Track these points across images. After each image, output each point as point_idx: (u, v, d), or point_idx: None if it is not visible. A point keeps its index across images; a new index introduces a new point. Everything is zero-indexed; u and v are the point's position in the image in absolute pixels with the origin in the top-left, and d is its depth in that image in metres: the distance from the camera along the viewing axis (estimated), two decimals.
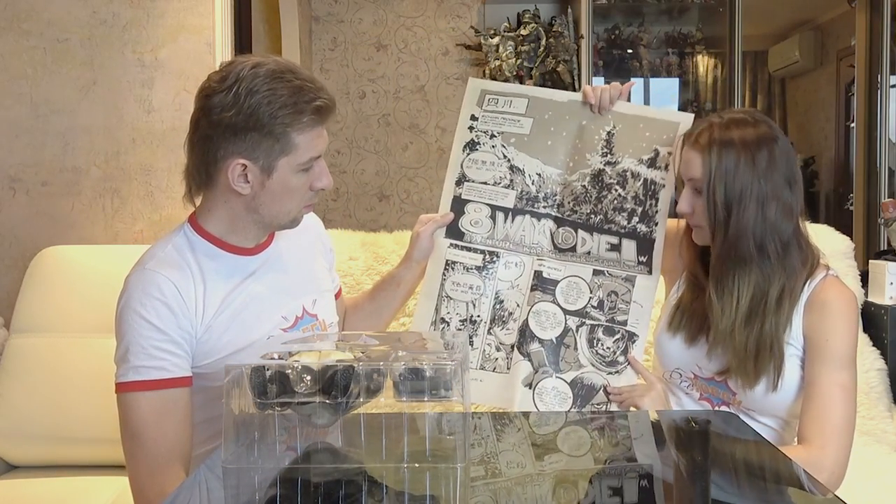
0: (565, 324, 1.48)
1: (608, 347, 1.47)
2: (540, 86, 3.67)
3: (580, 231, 1.51)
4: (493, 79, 3.76)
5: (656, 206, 1.49)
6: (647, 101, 4.30)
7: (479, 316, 1.51)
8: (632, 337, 1.47)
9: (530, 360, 1.46)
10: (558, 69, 3.64)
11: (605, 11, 4.11)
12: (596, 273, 1.49)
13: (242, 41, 2.46)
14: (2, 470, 1.98)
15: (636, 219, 1.50)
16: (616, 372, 1.46)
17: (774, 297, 1.35)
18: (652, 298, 1.49)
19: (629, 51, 4.18)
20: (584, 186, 1.52)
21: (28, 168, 2.28)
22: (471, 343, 1.50)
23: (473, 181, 1.54)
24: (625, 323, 1.48)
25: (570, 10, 3.72)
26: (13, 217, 2.29)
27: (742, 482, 1.05)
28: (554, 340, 1.47)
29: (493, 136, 1.55)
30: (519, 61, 3.72)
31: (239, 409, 0.98)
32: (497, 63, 3.74)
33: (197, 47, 2.28)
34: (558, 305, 1.48)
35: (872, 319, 2.10)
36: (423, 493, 0.93)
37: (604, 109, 1.52)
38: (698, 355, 1.44)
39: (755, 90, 4.54)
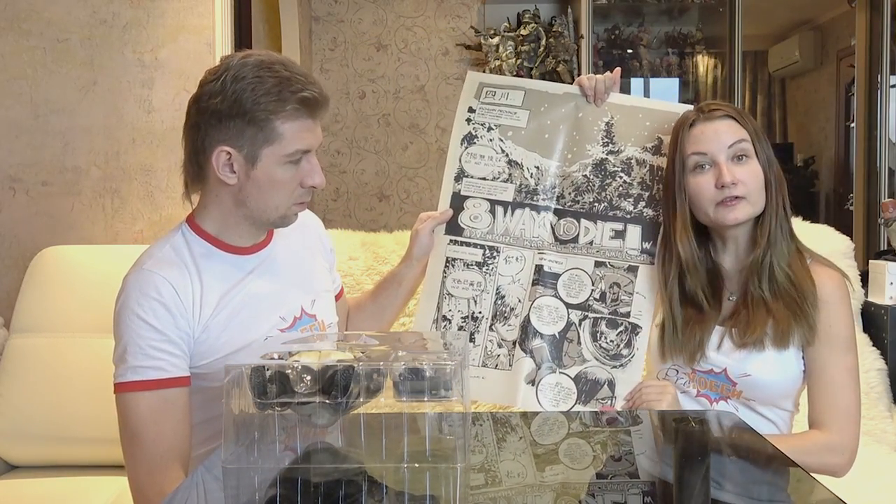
0: (568, 318, 1.47)
1: (611, 340, 1.46)
2: None
3: (583, 220, 1.51)
4: None
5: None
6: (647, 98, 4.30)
7: (480, 312, 1.50)
8: (635, 329, 1.47)
9: (532, 357, 1.46)
10: (558, 69, 3.64)
11: (605, 11, 4.11)
12: (598, 265, 1.49)
13: (242, 41, 2.46)
14: (2, 470, 1.98)
15: (643, 203, 1.50)
16: (620, 365, 1.45)
17: (794, 252, 1.40)
18: (655, 288, 1.48)
19: (629, 51, 4.19)
20: (585, 176, 1.51)
21: (28, 168, 2.28)
22: (472, 340, 1.49)
23: (472, 177, 1.54)
24: (627, 315, 1.47)
25: (570, 10, 3.72)
26: (13, 217, 2.29)
27: (743, 482, 1.05)
28: (556, 335, 1.47)
29: (490, 128, 1.54)
30: (519, 61, 3.72)
31: (239, 409, 0.98)
32: (497, 63, 3.74)
33: (197, 47, 2.28)
34: (560, 299, 1.48)
35: (872, 319, 2.10)
36: (423, 493, 0.93)
37: (599, 99, 1.52)
38: (698, 356, 1.43)
39: (755, 90, 4.55)
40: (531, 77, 3.68)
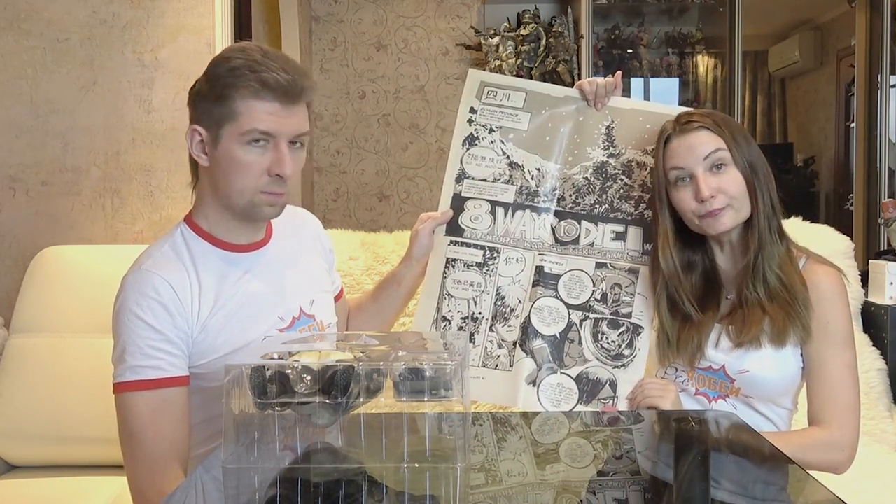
0: (568, 318, 1.47)
1: (613, 341, 1.46)
2: None
3: (583, 222, 1.51)
4: None
5: None
6: (647, 101, 4.30)
7: (480, 313, 1.50)
8: (637, 329, 1.46)
9: (533, 358, 1.46)
10: (558, 69, 3.64)
11: (605, 11, 4.11)
12: (599, 266, 1.49)
13: (242, 41, 2.46)
14: (2, 470, 1.98)
15: (644, 205, 1.50)
16: (622, 365, 1.45)
17: (783, 254, 1.40)
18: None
19: (629, 51, 4.19)
20: (586, 178, 1.52)
21: (28, 168, 2.28)
22: (472, 341, 1.49)
23: (473, 178, 1.55)
24: (629, 315, 1.47)
25: (570, 10, 3.72)
26: (13, 217, 2.29)
27: (743, 481, 1.05)
28: (557, 336, 1.47)
29: (491, 130, 1.55)
30: (519, 61, 3.72)
31: (239, 409, 0.98)
32: (497, 63, 3.74)
33: (197, 47, 2.28)
34: (561, 300, 1.48)
35: (872, 319, 2.10)
36: (423, 493, 0.93)
37: (600, 103, 1.52)
38: (697, 355, 1.43)
39: (755, 90, 4.55)
40: (531, 77, 3.68)
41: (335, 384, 0.95)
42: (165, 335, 1.22)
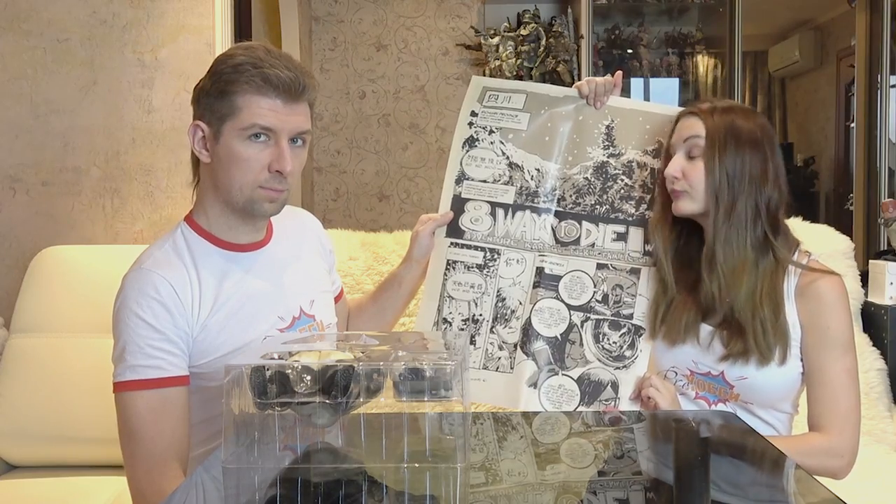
0: (570, 319, 1.47)
1: (614, 342, 1.45)
2: None
3: (584, 222, 1.51)
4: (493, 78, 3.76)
5: None
6: (647, 101, 4.30)
7: (481, 315, 1.50)
8: (638, 330, 1.46)
9: (535, 360, 1.45)
10: (558, 69, 3.64)
11: (605, 11, 4.11)
12: (599, 267, 1.49)
13: (242, 41, 2.46)
14: (2, 470, 1.98)
15: (644, 206, 1.49)
16: (623, 367, 1.44)
17: (769, 272, 1.37)
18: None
19: (629, 51, 4.18)
20: (586, 178, 1.51)
21: (28, 168, 2.28)
22: (473, 343, 1.49)
23: (473, 179, 1.54)
24: (630, 316, 1.46)
25: (570, 10, 3.72)
26: (13, 217, 2.29)
27: (743, 482, 1.05)
28: (559, 337, 1.46)
29: (491, 132, 1.55)
30: (519, 61, 3.72)
31: (239, 409, 0.98)
32: (497, 63, 3.74)
33: (197, 47, 2.28)
34: (562, 301, 1.48)
35: (872, 319, 2.10)
36: (423, 493, 0.93)
37: (599, 101, 1.52)
38: (691, 352, 1.43)
39: (755, 90, 4.54)
40: (531, 77, 3.68)
41: (335, 384, 0.95)
42: (165, 335, 1.22)
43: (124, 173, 2.29)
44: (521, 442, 1.23)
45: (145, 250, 1.31)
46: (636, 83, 4.26)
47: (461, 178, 1.55)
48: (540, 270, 1.49)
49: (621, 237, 1.49)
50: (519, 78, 3.71)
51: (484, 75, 3.81)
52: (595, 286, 1.48)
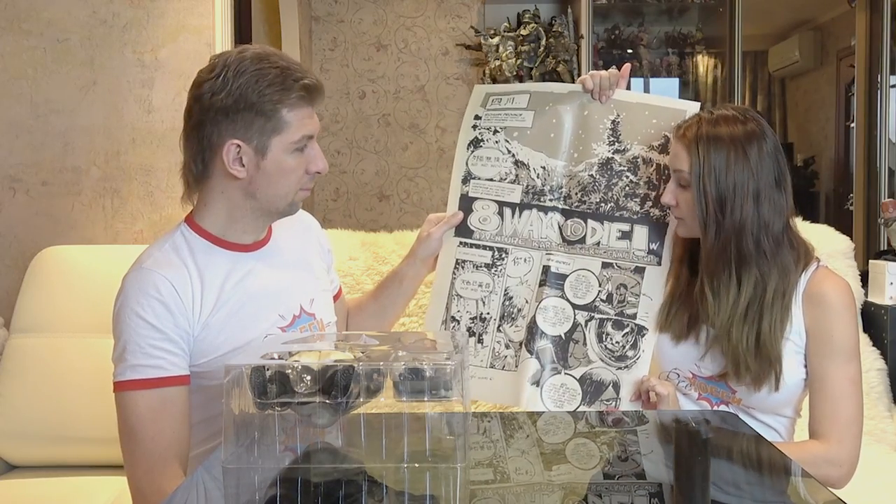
0: (574, 319, 1.47)
1: (617, 342, 1.45)
2: None
3: (590, 221, 1.50)
4: (494, 79, 3.76)
5: None
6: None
7: (488, 313, 1.50)
8: (641, 330, 1.45)
9: (538, 359, 1.45)
10: (558, 69, 3.64)
11: (605, 11, 4.11)
12: (605, 266, 1.48)
13: (242, 41, 2.46)
14: (2, 470, 1.98)
15: (649, 203, 1.48)
16: (625, 367, 1.44)
17: (770, 295, 1.35)
18: (661, 290, 1.47)
19: (629, 51, 4.18)
20: (591, 176, 1.50)
21: (28, 168, 2.28)
22: (480, 341, 1.49)
23: (479, 178, 1.54)
24: (634, 316, 1.46)
25: (570, 10, 3.72)
26: (13, 217, 2.28)
27: (744, 482, 1.05)
28: (562, 336, 1.46)
29: (495, 131, 1.54)
30: (519, 61, 3.72)
31: (239, 409, 0.98)
32: (497, 63, 3.74)
33: (197, 47, 2.28)
34: (566, 300, 1.47)
35: (872, 319, 2.10)
36: (423, 493, 0.93)
37: (604, 96, 1.50)
38: (694, 354, 1.43)
39: (755, 90, 4.54)
40: (531, 78, 3.68)
41: (335, 384, 0.95)
42: (166, 334, 1.22)
43: (124, 173, 2.29)
44: (525, 442, 1.23)
45: (145, 250, 1.31)
46: (636, 83, 4.26)
47: (468, 178, 1.55)
48: (546, 269, 1.49)
49: (626, 235, 1.49)
50: (519, 78, 3.71)
51: (484, 75, 3.82)
52: (600, 285, 1.48)
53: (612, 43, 4.18)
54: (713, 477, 1.06)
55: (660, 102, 1.51)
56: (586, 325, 1.46)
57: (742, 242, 1.33)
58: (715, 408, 1.44)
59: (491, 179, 1.54)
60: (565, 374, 1.44)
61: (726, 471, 1.09)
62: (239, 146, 1.25)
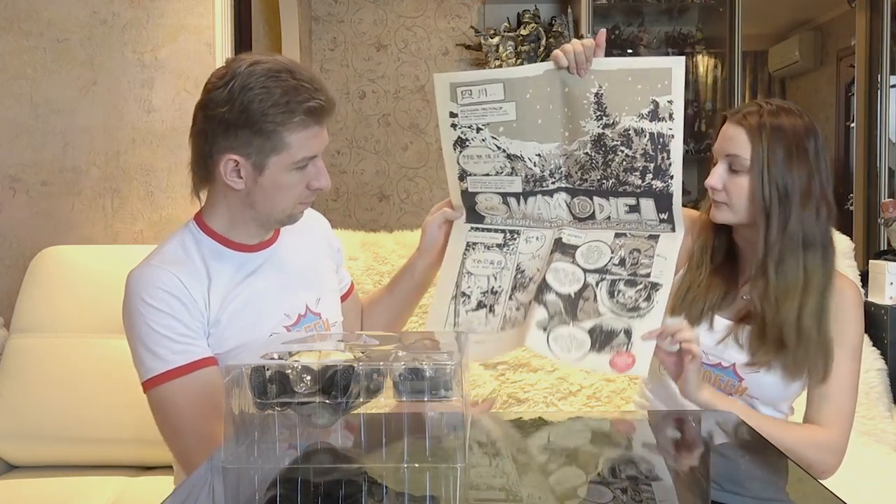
0: (584, 280, 1.42)
1: (630, 296, 1.39)
2: None
3: (595, 198, 1.46)
4: None
5: (668, 157, 1.40)
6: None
7: (500, 287, 1.47)
8: (655, 286, 1.38)
9: (546, 307, 1.39)
10: None
11: (605, 11, 4.10)
12: (618, 235, 1.45)
13: (242, 41, 2.46)
14: (2, 470, 1.98)
15: (650, 175, 1.42)
16: (638, 316, 1.36)
17: (827, 282, 1.38)
18: (676, 251, 1.41)
19: (629, 51, 4.18)
20: (587, 154, 1.44)
21: (28, 168, 2.28)
22: (492, 311, 1.46)
23: (475, 174, 1.51)
24: (648, 275, 1.40)
25: (570, 10, 3.72)
26: (13, 217, 2.29)
27: (744, 482, 1.05)
28: (572, 295, 1.40)
29: (478, 129, 1.48)
30: (519, 61, 3.72)
31: (239, 409, 0.98)
32: (497, 63, 3.74)
33: (197, 47, 2.28)
34: (578, 265, 1.43)
35: (872, 319, 2.10)
36: (423, 493, 0.93)
37: (582, 69, 1.40)
38: (705, 342, 1.42)
39: (755, 90, 4.54)
40: None
41: (335, 384, 0.95)
42: (183, 322, 1.23)
43: (124, 173, 2.29)
44: (525, 442, 1.23)
45: (154, 249, 1.32)
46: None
47: (464, 175, 1.51)
48: (558, 241, 1.46)
49: (633, 209, 1.44)
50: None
51: None
52: (612, 252, 1.44)
53: (612, 43, 4.18)
54: (713, 476, 1.07)
55: (641, 65, 1.40)
56: (597, 286, 1.41)
57: (808, 230, 1.37)
58: None
59: (487, 174, 1.50)
60: (574, 325, 1.37)
61: (726, 469, 1.09)
62: (236, 161, 1.24)
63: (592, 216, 1.46)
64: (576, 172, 1.46)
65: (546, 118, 1.45)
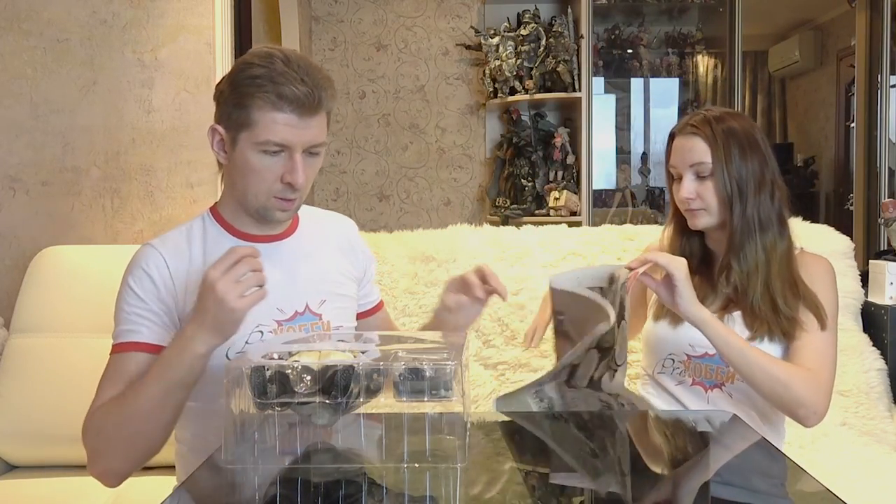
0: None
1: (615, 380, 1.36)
2: (540, 86, 3.68)
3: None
4: (493, 79, 3.76)
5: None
6: (647, 101, 4.30)
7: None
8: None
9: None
10: (558, 69, 3.64)
11: (605, 11, 4.11)
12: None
13: (242, 41, 2.46)
14: (2, 470, 1.98)
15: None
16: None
17: (783, 261, 1.48)
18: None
19: (629, 51, 4.19)
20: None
21: (28, 168, 2.28)
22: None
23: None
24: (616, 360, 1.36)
25: (570, 10, 3.72)
26: (13, 217, 2.28)
27: (743, 481, 1.05)
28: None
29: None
30: (519, 61, 3.72)
31: (239, 409, 0.98)
32: (497, 63, 3.74)
33: (197, 47, 2.28)
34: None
35: (872, 319, 2.10)
36: (423, 493, 0.93)
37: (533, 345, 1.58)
38: (689, 334, 1.48)
39: (755, 90, 4.55)
40: (531, 77, 3.68)
41: (335, 384, 0.95)
42: (148, 305, 1.28)
43: (124, 173, 2.29)
44: (523, 441, 1.23)
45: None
46: (636, 83, 4.26)
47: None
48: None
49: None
50: (519, 78, 3.71)
51: (484, 75, 3.82)
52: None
53: (612, 43, 4.18)
54: (712, 476, 1.07)
55: (588, 297, 1.33)
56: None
57: (763, 214, 1.47)
58: (709, 391, 1.50)
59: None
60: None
61: (725, 470, 1.09)
62: (216, 130, 1.29)
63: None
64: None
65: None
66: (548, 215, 3.66)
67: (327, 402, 0.95)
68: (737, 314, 1.49)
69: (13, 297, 2.07)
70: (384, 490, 0.95)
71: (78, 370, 1.92)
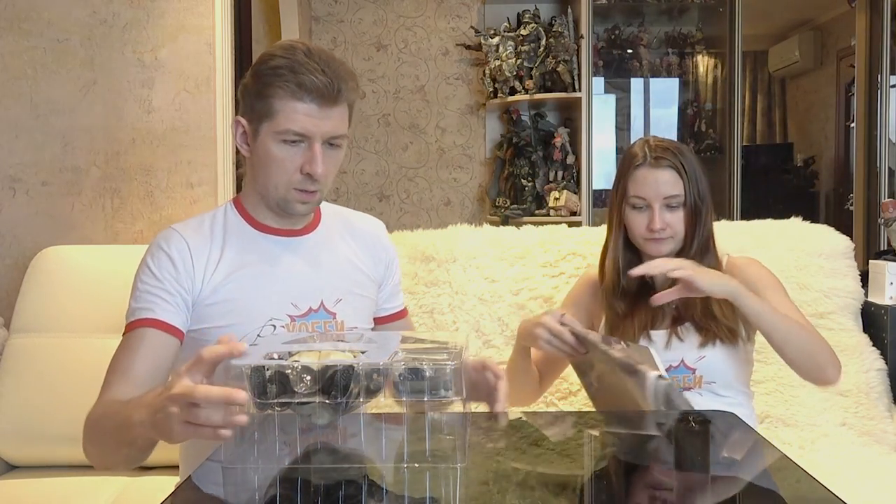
0: None
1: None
2: (540, 86, 3.68)
3: None
4: (493, 79, 3.77)
5: None
6: (647, 102, 4.30)
7: None
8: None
9: None
10: (558, 69, 3.64)
11: (605, 11, 4.11)
12: None
13: (242, 41, 2.46)
14: (2, 470, 1.98)
15: None
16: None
17: (715, 269, 1.53)
18: None
19: (629, 51, 4.19)
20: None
21: (28, 168, 2.28)
22: None
23: None
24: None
25: (570, 10, 3.72)
26: (13, 217, 2.28)
27: (742, 481, 1.05)
28: None
29: None
30: (519, 61, 3.71)
31: (239, 409, 0.98)
32: (497, 63, 3.74)
33: (197, 47, 2.28)
34: None
35: (872, 319, 2.10)
36: (423, 493, 0.93)
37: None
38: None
39: (755, 90, 4.55)
40: (531, 77, 3.68)
41: (335, 384, 0.95)
42: (164, 285, 1.29)
43: (124, 173, 2.29)
44: (523, 441, 1.23)
45: None
46: (636, 83, 4.26)
47: None
48: None
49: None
50: (519, 78, 3.71)
51: (484, 75, 3.82)
52: None
53: (612, 43, 4.18)
54: (712, 475, 1.07)
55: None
56: None
57: (709, 233, 1.57)
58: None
59: None
60: None
61: (725, 470, 1.09)
62: (243, 125, 1.31)
63: None
64: None
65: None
66: (548, 215, 3.66)
67: (327, 402, 0.95)
68: (688, 324, 1.54)
69: (13, 297, 2.07)
70: (384, 490, 0.95)
71: (78, 370, 1.92)
